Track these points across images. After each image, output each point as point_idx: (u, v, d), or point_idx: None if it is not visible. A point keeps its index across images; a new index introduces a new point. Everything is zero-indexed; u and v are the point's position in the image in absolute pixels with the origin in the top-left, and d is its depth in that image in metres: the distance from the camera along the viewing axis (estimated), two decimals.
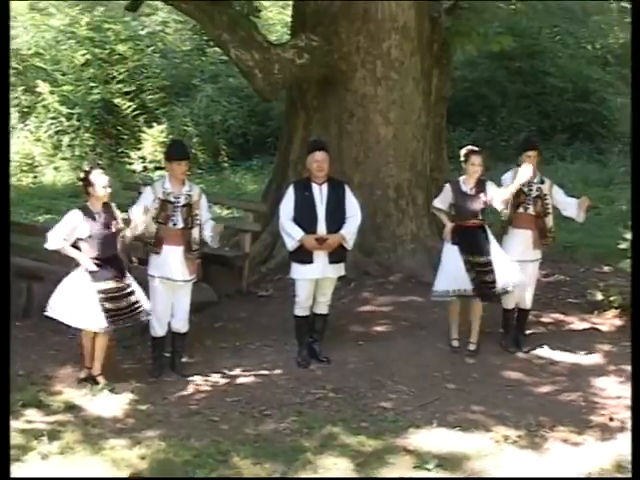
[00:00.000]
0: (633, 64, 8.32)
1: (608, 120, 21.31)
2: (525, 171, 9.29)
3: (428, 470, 7.15)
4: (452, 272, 9.44)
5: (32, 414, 8.09)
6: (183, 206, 8.95)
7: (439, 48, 12.67)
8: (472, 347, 9.69)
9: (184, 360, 9.26)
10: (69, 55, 20.20)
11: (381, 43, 12.18)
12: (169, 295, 8.99)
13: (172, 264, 8.84)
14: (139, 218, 8.70)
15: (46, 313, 8.65)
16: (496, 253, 9.48)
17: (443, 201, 9.63)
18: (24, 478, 6.56)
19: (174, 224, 8.92)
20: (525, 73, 20.89)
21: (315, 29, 12.25)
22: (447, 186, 9.62)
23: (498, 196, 9.39)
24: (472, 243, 9.46)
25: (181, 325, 9.11)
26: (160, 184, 9.06)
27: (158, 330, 9.07)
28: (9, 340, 4.72)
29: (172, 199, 8.92)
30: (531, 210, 9.57)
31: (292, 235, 9.09)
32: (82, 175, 8.62)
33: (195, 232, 8.99)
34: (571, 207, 9.76)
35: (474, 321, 9.71)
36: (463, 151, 9.60)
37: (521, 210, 9.57)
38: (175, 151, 9.35)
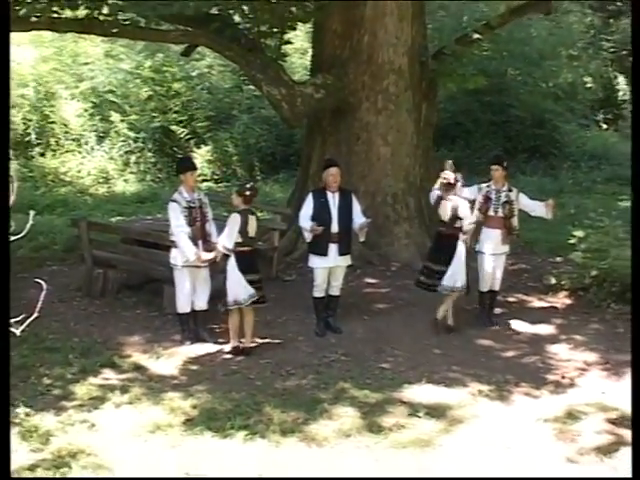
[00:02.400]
0: (633, 66, 7.66)
1: (559, 143, 21.16)
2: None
3: (419, 417, 7.15)
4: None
5: (107, 373, 8.13)
6: (198, 207, 8.95)
7: (427, 85, 12.59)
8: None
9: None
10: (135, 91, 20.13)
11: (381, 81, 12.14)
12: (192, 279, 8.93)
13: None
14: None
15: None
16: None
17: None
18: (24, 478, 6.17)
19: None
20: (494, 105, 20.73)
21: (329, 70, 12.20)
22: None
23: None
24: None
25: (203, 304, 9.08)
26: (180, 197, 8.92)
27: (185, 307, 9.02)
28: (9, 340, 4.54)
29: (193, 205, 8.90)
30: (500, 213, 9.52)
31: (305, 228, 9.10)
32: (251, 191, 8.60)
33: (207, 227, 8.97)
34: (540, 208, 9.71)
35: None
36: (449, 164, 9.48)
37: (491, 213, 9.51)
38: (187, 164, 9.48)
